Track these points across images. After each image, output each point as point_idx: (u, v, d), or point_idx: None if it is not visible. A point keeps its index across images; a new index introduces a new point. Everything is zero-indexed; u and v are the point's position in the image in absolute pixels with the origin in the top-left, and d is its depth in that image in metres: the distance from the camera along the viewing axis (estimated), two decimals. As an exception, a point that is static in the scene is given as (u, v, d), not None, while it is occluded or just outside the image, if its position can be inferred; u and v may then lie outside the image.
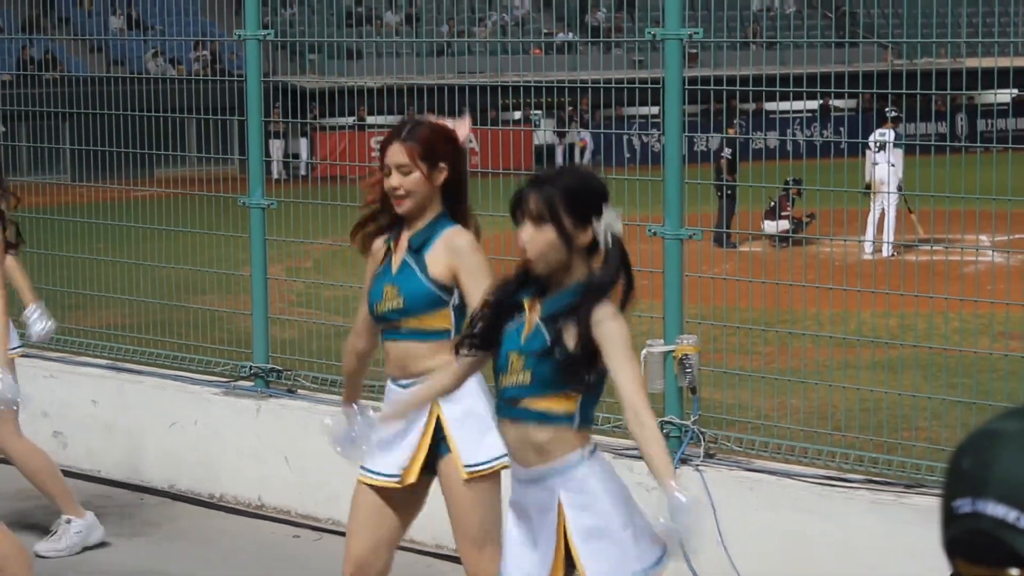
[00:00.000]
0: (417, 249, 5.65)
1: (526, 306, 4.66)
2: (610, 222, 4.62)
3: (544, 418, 4.60)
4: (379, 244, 5.82)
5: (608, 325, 4.50)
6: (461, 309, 5.62)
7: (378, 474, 5.76)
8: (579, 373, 4.55)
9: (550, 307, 4.60)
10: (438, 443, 5.66)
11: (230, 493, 8.98)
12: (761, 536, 7.12)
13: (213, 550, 8.24)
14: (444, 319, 5.63)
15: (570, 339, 4.53)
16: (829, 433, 7.57)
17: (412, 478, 5.68)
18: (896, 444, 7.43)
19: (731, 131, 14.08)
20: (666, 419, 7.46)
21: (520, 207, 4.65)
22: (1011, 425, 2.06)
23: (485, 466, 5.65)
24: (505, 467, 5.57)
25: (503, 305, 4.73)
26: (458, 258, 5.61)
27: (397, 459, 5.70)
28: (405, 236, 5.71)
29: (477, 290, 5.44)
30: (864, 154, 17.50)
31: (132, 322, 10.50)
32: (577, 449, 4.63)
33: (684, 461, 7.36)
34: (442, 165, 5.65)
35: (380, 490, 5.77)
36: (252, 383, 9.08)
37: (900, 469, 7.07)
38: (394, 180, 5.64)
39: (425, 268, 5.63)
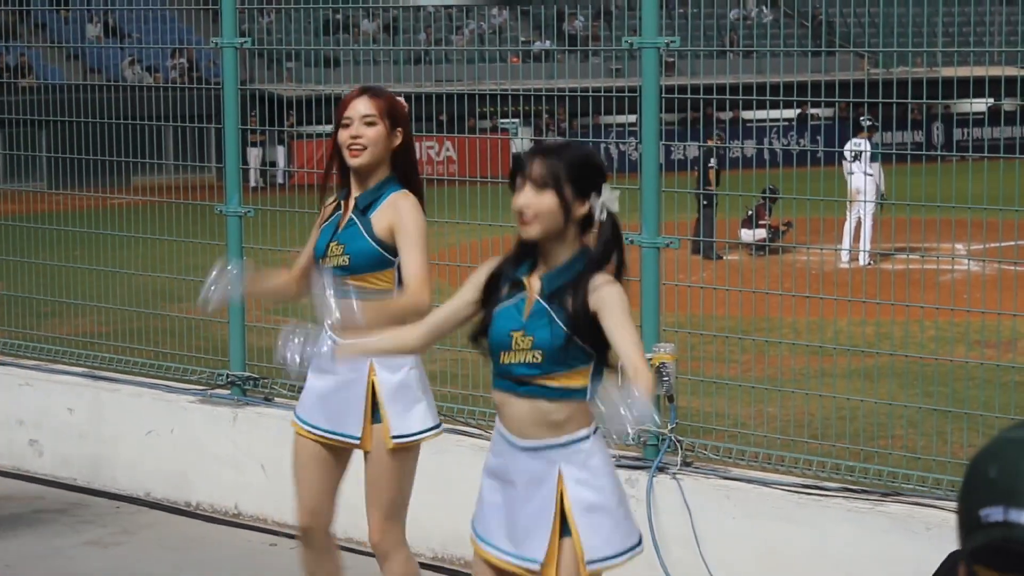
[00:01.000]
0: (363, 209, 5.79)
1: (525, 283, 4.69)
2: (607, 200, 4.66)
3: (561, 394, 4.62)
4: (328, 200, 5.96)
5: (605, 290, 4.54)
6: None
7: (309, 425, 5.89)
8: (589, 347, 4.58)
9: (550, 284, 4.63)
10: (374, 410, 5.77)
11: (207, 501, 8.96)
12: (738, 544, 7.13)
13: (190, 558, 8.22)
14: (387, 279, 5.75)
15: (574, 312, 4.56)
16: (806, 441, 7.58)
17: (368, 446, 5.81)
18: (873, 452, 7.45)
19: (710, 141, 14.09)
20: (643, 427, 7.47)
21: (521, 171, 4.66)
22: None
23: (411, 438, 5.79)
24: (430, 438, 5.81)
25: (499, 282, 4.74)
26: (398, 216, 5.72)
27: (348, 421, 5.80)
28: (353, 196, 5.82)
29: (408, 250, 5.61)
30: (840, 163, 17.56)
31: (108, 330, 10.47)
32: (587, 425, 4.67)
33: (661, 469, 7.37)
34: (399, 130, 5.80)
35: (321, 442, 5.89)
36: (229, 391, 9.07)
37: (876, 477, 7.09)
38: (355, 129, 5.76)
39: (370, 228, 5.74)
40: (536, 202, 4.61)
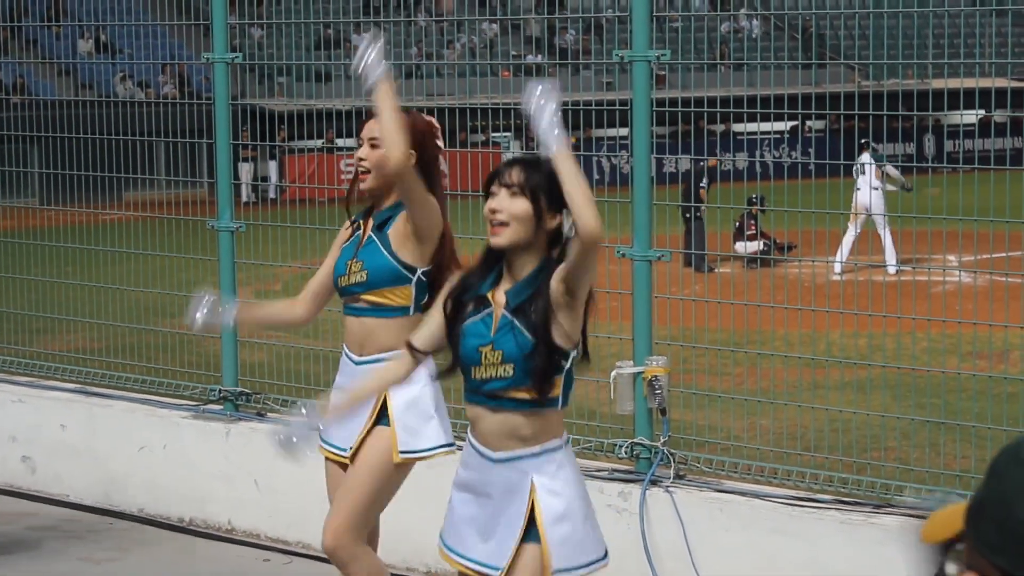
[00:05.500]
0: (380, 226, 5.83)
1: (490, 298, 4.69)
2: None
3: (534, 405, 4.64)
4: (346, 224, 6.00)
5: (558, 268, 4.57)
6: (422, 287, 5.71)
7: (332, 446, 5.89)
8: (558, 352, 4.60)
9: (516, 297, 4.64)
10: (380, 418, 5.76)
11: (200, 517, 8.95)
12: (731, 557, 7.12)
13: (183, 574, 8.20)
14: (404, 296, 5.75)
15: (539, 318, 4.58)
16: (799, 453, 7.58)
17: (355, 451, 5.79)
18: (865, 464, 7.44)
19: (712, 162, 14.02)
20: (636, 440, 7.47)
21: (497, 178, 4.68)
22: None
23: (418, 455, 5.77)
24: (440, 455, 5.79)
25: (464, 299, 4.75)
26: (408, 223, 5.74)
27: (349, 436, 5.80)
28: (372, 216, 5.87)
29: (420, 208, 5.62)
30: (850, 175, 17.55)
31: (101, 346, 10.46)
32: (559, 436, 4.71)
33: (654, 483, 7.37)
34: (412, 152, 5.75)
35: (343, 463, 5.89)
36: (221, 406, 9.06)
37: (870, 489, 7.08)
38: (362, 152, 5.79)
39: (388, 244, 5.78)
40: (509, 206, 4.62)
